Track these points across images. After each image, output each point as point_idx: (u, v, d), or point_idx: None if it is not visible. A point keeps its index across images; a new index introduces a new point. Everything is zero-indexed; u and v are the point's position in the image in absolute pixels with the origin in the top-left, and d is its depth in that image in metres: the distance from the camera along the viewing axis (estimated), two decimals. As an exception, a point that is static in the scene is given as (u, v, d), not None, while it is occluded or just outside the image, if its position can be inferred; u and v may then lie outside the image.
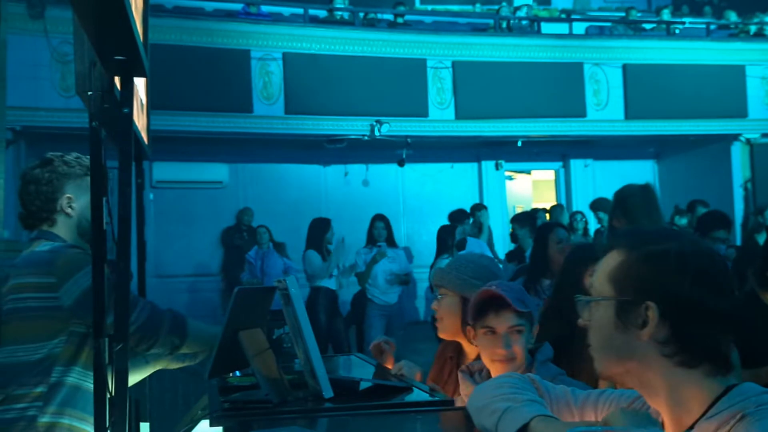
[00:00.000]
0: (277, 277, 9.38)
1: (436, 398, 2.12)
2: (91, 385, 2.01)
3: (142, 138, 2.85)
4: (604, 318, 1.48)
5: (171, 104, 9.43)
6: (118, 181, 2.01)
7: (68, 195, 2.59)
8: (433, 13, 14.31)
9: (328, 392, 2.03)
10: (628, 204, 4.42)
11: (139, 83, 2.59)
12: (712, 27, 13.39)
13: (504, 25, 12.91)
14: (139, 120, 2.72)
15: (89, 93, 1.90)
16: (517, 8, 13.99)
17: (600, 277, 1.51)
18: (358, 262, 8.65)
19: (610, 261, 1.50)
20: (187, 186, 11.50)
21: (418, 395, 2.14)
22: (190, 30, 10.50)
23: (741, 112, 12.55)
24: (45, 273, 2.41)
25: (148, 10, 2.21)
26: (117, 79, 2.01)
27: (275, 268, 9.90)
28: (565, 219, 9.79)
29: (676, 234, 1.51)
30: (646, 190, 4.50)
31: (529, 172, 15.54)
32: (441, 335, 2.81)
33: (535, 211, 10.09)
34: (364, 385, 2.16)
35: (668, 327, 1.41)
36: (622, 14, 14.29)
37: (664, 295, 1.42)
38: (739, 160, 12.88)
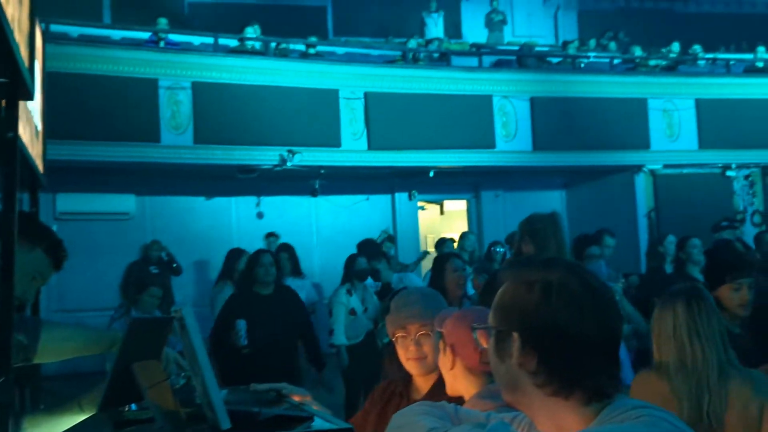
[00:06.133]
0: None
1: (338, 426, 2.09)
2: None
3: (36, 166, 2.75)
4: (490, 347, 1.48)
5: (76, 133, 9.20)
6: (3, 207, 1.93)
7: None
8: (345, 44, 14.38)
9: (225, 423, 1.97)
10: (535, 230, 4.50)
11: (35, 110, 2.50)
12: (616, 61, 13.83)
13: (415, 56, 13.07)
14: (33, 147, 2.62)
15: (-28, 117, 1.82)
16: (429, 41, 14.21)
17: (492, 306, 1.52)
18: None
19: (499, 291, 1.51)
20: (92, 218, 11.20)
21: (320, 424, 2.10)
22: (96, 58, 10.24)
23: (644, 144, 12.94)
24: None
25: (35, 33, 2.14)
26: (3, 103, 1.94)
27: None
28: (472, 245, 9.94)
29: (556, 263, 1.48)
30: (553, 217, 4.60)
31: (441, 203, 15.71)
32: (421, 374, 2.75)
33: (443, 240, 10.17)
34: (264, 415, 2.11)
35: (535, 357, 1.40)
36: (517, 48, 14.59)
37: (525, 324, 1.41)
38: (643, 190, 13.26)
